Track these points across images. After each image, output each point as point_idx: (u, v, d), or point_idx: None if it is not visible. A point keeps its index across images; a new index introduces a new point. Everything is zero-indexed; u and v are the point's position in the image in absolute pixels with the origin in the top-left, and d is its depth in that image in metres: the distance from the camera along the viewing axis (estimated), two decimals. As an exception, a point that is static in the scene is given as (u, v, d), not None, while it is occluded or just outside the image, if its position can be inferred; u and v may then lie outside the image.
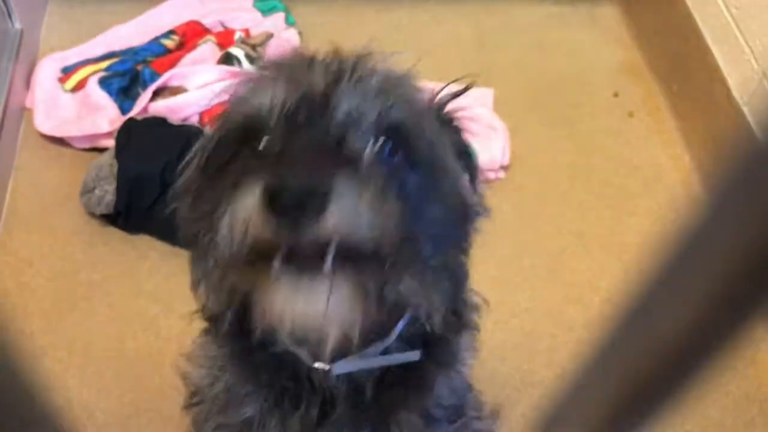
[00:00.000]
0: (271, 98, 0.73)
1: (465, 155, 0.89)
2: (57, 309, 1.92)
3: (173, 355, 1.88)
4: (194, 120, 2.10)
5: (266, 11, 2.52)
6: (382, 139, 0.73)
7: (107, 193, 1.97)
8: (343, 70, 0.74)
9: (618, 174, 2.26)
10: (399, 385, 0.90)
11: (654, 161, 2.30)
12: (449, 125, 0.88)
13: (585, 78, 2.50)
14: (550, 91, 2.46)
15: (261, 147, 0.73)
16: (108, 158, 2.01)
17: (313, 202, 0.60)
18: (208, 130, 2.10)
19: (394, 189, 0.69)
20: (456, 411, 1.04)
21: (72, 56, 2.34)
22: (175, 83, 2.15)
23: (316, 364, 0.85)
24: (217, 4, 2.53)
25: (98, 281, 1.99)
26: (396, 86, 0.76)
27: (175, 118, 2.07)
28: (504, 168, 2.21)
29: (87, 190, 2.00)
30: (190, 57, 2.26)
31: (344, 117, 0.72)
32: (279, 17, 2.50)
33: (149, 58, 2.28)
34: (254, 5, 2.55)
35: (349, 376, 0.88)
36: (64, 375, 1.84)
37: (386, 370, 0.88)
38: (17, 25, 2.28)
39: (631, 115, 2.41)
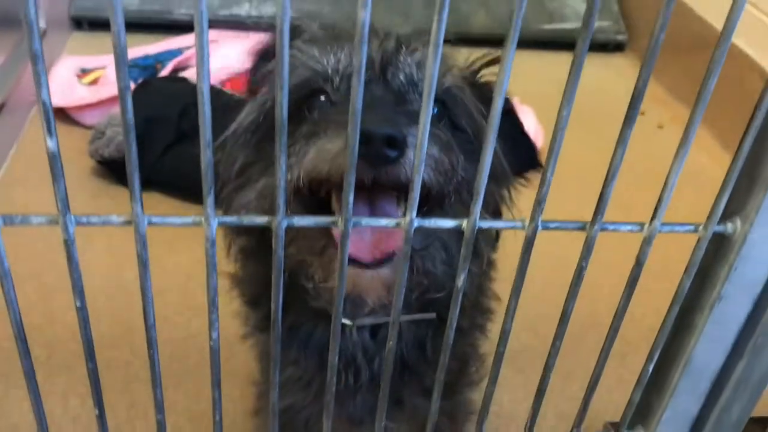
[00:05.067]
0: (336, 60, 0.81)
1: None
2: (48, 246, 1.71)
3: (178, 285, 1.67)
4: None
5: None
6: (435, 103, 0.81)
7: (118, 135, 1.85)
8: (400, 42, 0.83)
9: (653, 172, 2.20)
10: (416, 360, 0.94)
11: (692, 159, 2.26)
12: (482, 90, 0.93)
13: (609, 103, 2.51)
14: (581, 109, 2.48)
15: (331, 100, 0.81)
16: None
17: (395, 146, 0.67)
18: (229, 91, 2.04)
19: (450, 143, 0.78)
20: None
21: (93, 61, 2.34)
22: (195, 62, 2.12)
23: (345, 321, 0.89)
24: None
25: (98, 227, 1.80)
26: (444, 57, 0.82)
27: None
28: None
29: (97, 136, 1.89)
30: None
31: (404, 81, 0.81)
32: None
33: (168, 60, 2.29)
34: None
35: (371, 352, 0.92)
36: (49, 297, 1.59)
37: (404, 349, 0.92)
38: (42, 24, 2.30)
39: (660, 126, 2.42)
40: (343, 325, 0.88)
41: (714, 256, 0.60)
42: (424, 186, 0.72)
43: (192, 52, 2.13)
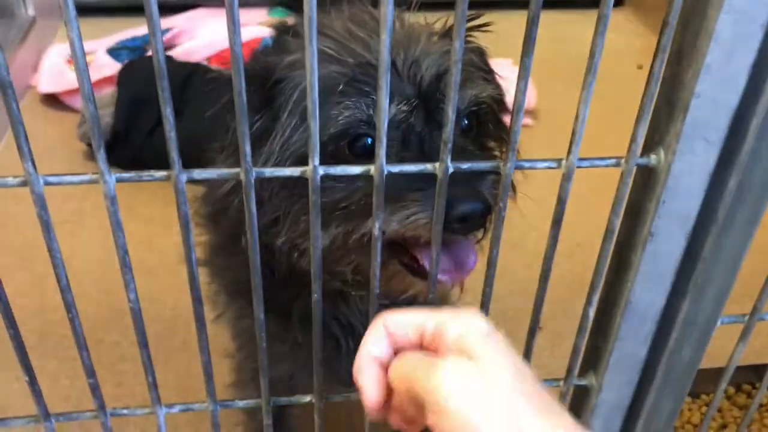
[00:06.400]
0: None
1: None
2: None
3: (168, 266, 1.67)
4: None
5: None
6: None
7: (105, 116, 1.85)
8: (435, 73, 0.79)
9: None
10: None
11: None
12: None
13: (607, 56, 2.50)
14: (575, 65, 2.44)
15: None
16: (110, 91, 1.92)
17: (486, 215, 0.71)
18: (215, 67, 2.02)
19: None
20: None
21: (84, 46, 2.34)
22: (183, 40, 2.12)
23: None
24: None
25: (89, 207, 1.81)
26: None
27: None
28: (531, 114, 2.14)
29: (84, 119, 1.89)
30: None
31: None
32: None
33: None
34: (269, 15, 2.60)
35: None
36: (40, 285, 1.60)
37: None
38: (30, 12, 2.30)
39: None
40: (347, 293, 0.89)
41: (643, 191, 0.57)
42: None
43: (178, 30, 2.12)
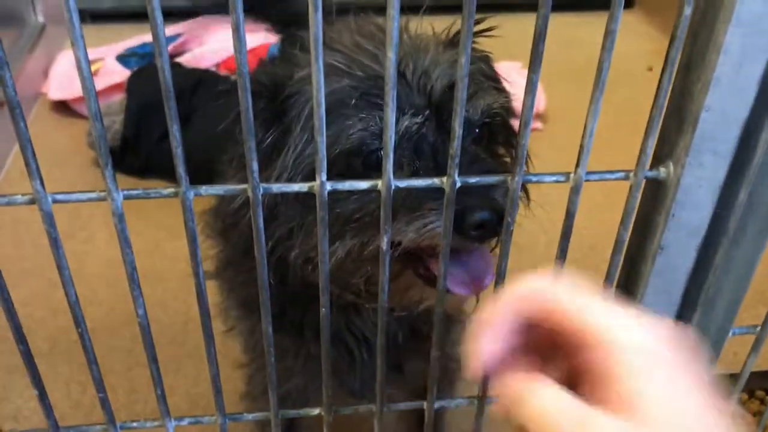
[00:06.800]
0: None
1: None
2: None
3: (179, 272, 1.67)
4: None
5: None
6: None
7: (115, 123, 1.85)
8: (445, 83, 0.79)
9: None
10: (421, 335, 0.96)
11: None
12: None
13: (617, 58, 2.48)
14: (585, 67, 2.44)
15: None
16: (119, 98, 1.93)
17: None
18: (224, 74, 2.02)
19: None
20: None
21: (93, 53, 2.35)
22: (193, 46, 2.12)
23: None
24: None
25: (100, 214, 1.81)
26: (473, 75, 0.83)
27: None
28: (541, 118, 2.14)
29: (95, 126, 1.90)
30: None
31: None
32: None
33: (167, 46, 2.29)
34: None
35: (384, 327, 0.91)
36: (51, 292, 1.61)
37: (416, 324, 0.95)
38: (40, 19, 2.31)
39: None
40: (360, 305, 0.90)
41: (653, 203, 0.57)
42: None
43: (188, 36, 2.13)
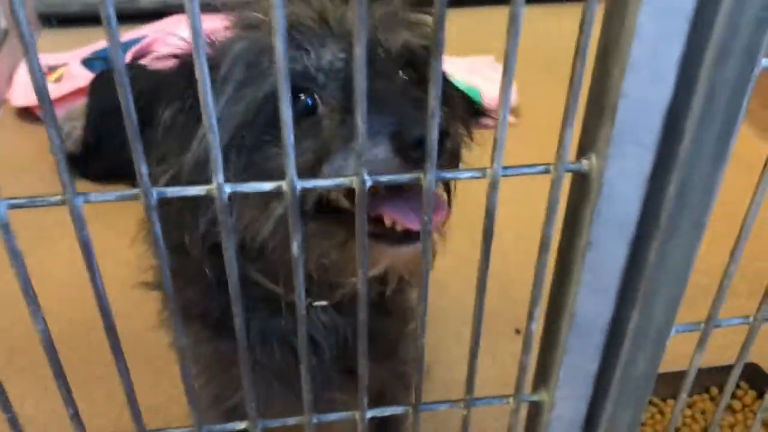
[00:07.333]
0: (317, 57, 0.77)
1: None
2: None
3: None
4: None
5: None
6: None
7: (76, 129, 1.82)
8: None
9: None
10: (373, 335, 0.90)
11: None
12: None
13: (591, 52, 2.48)
14: (557, 60, 2.42)
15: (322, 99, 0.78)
16: (80, 103, 1.90)
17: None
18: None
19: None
20: None
21: (59, 58, 2.31)
22: (158, 47, 2.08)
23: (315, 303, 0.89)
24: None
25: (62, 221, 1.78)
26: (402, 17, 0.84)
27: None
28: (513, 112, 2.14)
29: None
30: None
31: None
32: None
33: (132, 48, 2.25)
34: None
35: (329, 329, 0.93)
36: (8, 303, 1.57)
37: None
38: (2, 25, 2.27)
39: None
40: (309, 306, 0.87)
41: (579, 198, 0.54)
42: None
43: (153, 38, 2.09)
